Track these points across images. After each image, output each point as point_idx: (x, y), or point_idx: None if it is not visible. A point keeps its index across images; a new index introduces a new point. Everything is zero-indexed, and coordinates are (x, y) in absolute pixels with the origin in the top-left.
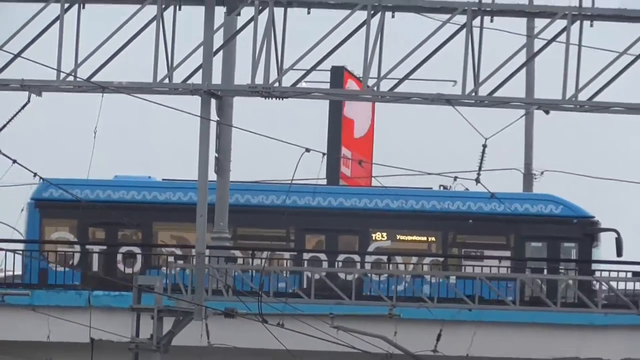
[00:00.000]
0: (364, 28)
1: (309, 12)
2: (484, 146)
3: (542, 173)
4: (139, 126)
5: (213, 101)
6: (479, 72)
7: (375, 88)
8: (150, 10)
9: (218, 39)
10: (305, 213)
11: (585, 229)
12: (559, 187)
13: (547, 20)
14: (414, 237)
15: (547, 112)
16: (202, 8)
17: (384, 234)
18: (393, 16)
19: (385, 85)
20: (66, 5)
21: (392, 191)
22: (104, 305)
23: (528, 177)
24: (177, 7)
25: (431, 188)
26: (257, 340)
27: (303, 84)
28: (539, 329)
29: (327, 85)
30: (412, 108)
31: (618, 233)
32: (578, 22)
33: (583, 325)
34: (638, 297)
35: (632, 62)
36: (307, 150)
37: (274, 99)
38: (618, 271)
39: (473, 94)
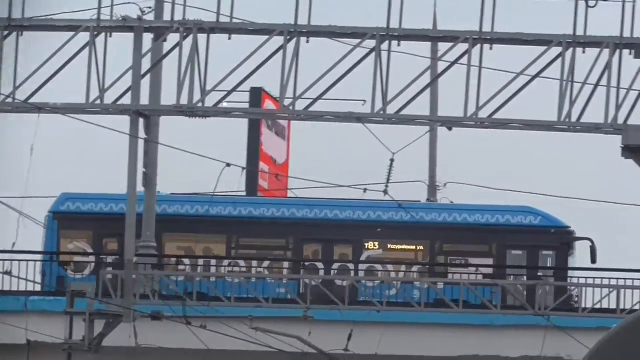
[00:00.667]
0: (281, 52)
1: (230, 38)
2: (392, 160)
3: (445, 185)
4: (74, 144)
5: (141, 120)
6: (387, 92)
7: (291, 107)
8: (84, 36)
9: (147, 63)
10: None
11: (562, 238)
12: (460, 198)
13: (450, 44)
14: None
15: (449, 129)
16: (132, 35)
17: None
18: (308, 41)
19: (300, 105)
20: (5, 33)
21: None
22: (40, 310)
23: (432, 189)
24: (109, 34)
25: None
26: (182, 340)
27: (224, 104)
28: (443, 329)
29: (247, 105)
30: (326, 126)
31: (592, 242)
32: (479, 46)
33: (484, 325)
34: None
35: (529, 82)
36: (228, 165)
37: (197, 118)
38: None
39: (381, 112)
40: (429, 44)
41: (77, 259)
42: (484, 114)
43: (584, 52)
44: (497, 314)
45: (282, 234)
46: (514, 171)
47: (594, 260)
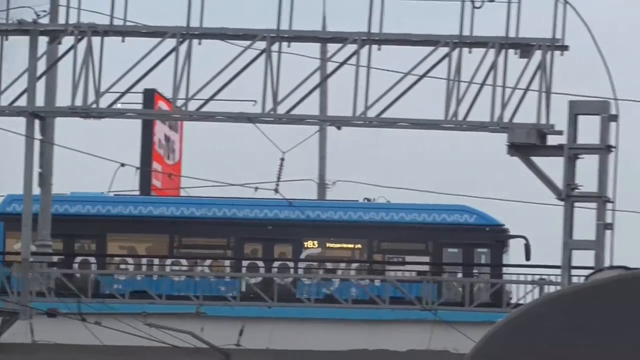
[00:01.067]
0: (174, 54)
1: (123, 40)
2: (282, 159)
3: (334, 183)
4: None
5: (37, 122)
6: (277, 93)
7: (183, 108)
8: None
9: (42, 66)
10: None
11: (496, 236)
12: (350, 195)
13: (339, 45)
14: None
15: (338, 128)
16: (27, 38)
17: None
18: (200, 43)
19: (193, 106)
20: None
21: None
22: None
23: (322, 187)
24: (5, 38)
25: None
26: (78, 337)
27: (118, 105)
28: (333, 324)
29: (141, 106)
30: (218, 126)
31: (526, 239)
32: (367, 46)
33: (372, 320)
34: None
35: (416, 82)
36: (122, 164)
37: (92, 119)
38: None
39: (272, 112)
40: (318, 45)
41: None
42: (372, 113)
43: (470, 52)
44: (386, 309)
45: (223, 234)
46: (404, 169)
47: (527, 258)
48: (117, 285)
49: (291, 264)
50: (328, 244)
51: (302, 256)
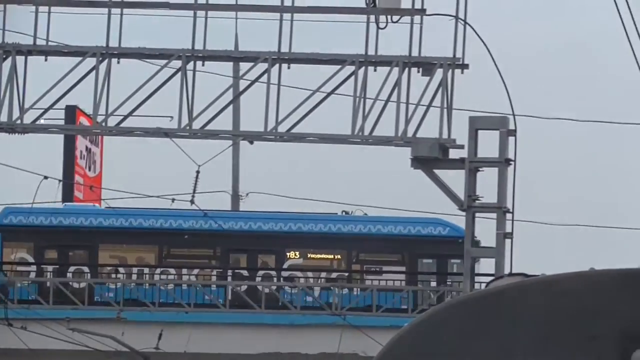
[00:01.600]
0: (94, 72)
1: (46, 59)
2: (197, 172)
3: (247, 194)
4: None
5: None
6: (192, 109)
7: (103, 123)
8: None
9: None
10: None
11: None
12: (263, 206)
13: (251, 64)
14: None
15: (251, 143)
16: None
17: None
18: (118, 62)
19: (112, 121)
20: None
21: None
22: None
23: (235, 198)
24: None
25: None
26: (4, 341)
27: (42, 121)
28: (247, 328)
29: (63, 122)
30: (138, 141)
31: None
32: (277, 65)
33: (284, 324)
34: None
35: (324, 98)
36: (45, 177)
37: (17, 134)
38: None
39: (187, 127)
40: (231, 63)
41: (19, 268)
42: (282, 128)
43: (375, 70)
44: (297, 314)
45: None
46: (314, 181)
47: None
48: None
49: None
50: (309, 255)
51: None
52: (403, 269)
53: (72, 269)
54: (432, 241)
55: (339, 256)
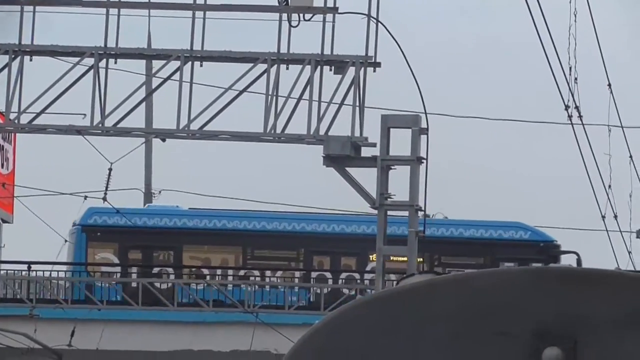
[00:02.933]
0: (6, 70)
1: None
2: (110, 169)
3: (160, 192)
4: None
5: None
6: (105, 106)
7: (16, 121)
8: None
9: None
10: None
11: (549, 251)
12: (176, 203)
13: (164, 62)
14: None
15: (163, 140)
16: None
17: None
18: (31, 59)
19: (25, 119)
20: None
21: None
22: None
23: (148, 195)
24: None
25: None
26: None
27: None
28: (160, 326)
29: None
30: (52, 139)
31: (578, 255)
32: (190, 63)
33: (196, 322)
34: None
35: (237, 96)
36: None
37: None
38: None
39: (100, 125)
40: (144, 61)
41: (104, 269)
42: (195, 126)
43: (287, 68)
44: (210, 312)
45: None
46: (227, 178)
47: None
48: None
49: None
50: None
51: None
52: None
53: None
54: (514, 244)
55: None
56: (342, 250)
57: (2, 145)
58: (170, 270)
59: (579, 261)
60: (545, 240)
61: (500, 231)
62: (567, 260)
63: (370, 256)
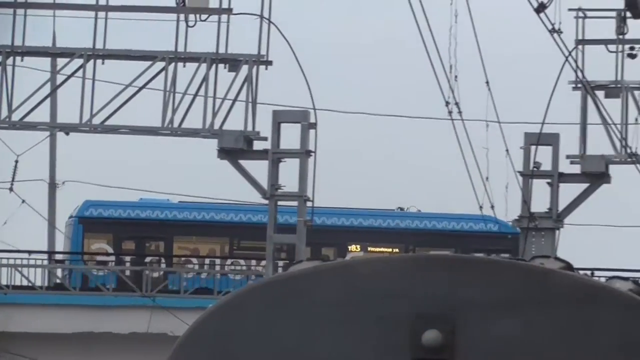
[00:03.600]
0: None
1: None
2: (16, 162)
3: (63, 183)
4: None
5: None
6: (12, 102)
7: None
8: None
9: None
10: None
11: (516, 243)
12: (82, 195)
13: (67, 59)
14: None
15: (67, 134)
16: None
17: None
18: None
19: None
20: None
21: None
22: None
23: (52, 187)
24: None
25: None
26: None
27: None
28: (63, 309)
29: None
30: None
31: None
32: (92, 61)
33: (98, 305)
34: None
35: (136, 92)
36: None
37: None
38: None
39: (7, 119)
40: (49, 59)
41: (99, 259)
42: (97, 120)
43: (184, 66)
44: (110, 296)
45: None
46: (128, 170)
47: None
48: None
49: None
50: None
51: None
52: None
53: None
54: (484, 236)
55: (397, 250)
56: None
57: None
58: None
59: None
60: (512, 232)
61: (471, 223)
62: None
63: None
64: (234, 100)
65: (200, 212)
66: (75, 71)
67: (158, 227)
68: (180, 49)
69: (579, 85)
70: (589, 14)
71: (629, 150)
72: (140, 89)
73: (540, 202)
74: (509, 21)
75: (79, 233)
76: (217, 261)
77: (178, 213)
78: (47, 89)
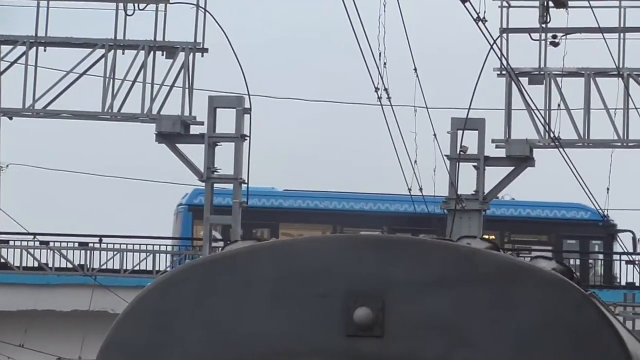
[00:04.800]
0: None
1: None
2: None
3: (7, 166)
4: None
5: None
6: None
7: None
8: None
9: None
10: None
11: (608, 230)
12: (26, 179)
13: (10, 47)
14: None
15: (10, 118)
16: None
17: None
18: None
19: None
20: None
21: None
22: None
23: None
24: None
25: None
26: None
27: None
28: (6, 288)
29: None
30: None
31: (634, 233)
32: (35, 48)
33: (41, 284)
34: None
35: (76, 79)
36: None
37: None
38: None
39: None
40: None
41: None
42: (39, 105)
43: (123, 53)
44: (53, 275)
45: None
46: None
47: (635, 249)
48: None
49: None
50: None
51: None
52: (550, 248)
53: None
54: (576, 224)
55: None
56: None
57: None
58: None
59: (634, 239)
60: (604, 220)
61: (564, 211)
62: (625, 239)
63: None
64: (171, 86)
65: (305, 200)
66: (19, 58)
67: (265, 215)
68: (120, 36)
69: (504, 72)
70: (512, 3)
71: (552, 135)
72: (81, 75)
73: (467, 185)
74: (438, 10)
75: (188, 220)
76: None
77: (284, 201)
78: None
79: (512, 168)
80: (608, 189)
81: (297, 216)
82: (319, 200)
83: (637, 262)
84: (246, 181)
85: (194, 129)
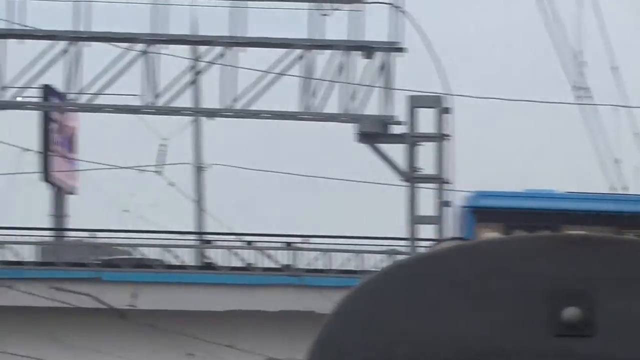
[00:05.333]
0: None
1: None
2: (162, 145)
3: (211, 166)
4: None
5: None
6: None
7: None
8: None
9: None
10: None
11: None
12: (226, 178)
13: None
14: None
15: (211, 118)
16: None
17: None
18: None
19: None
20: None
21: None
22: None
23: (199, 170)
24: None
25: None
26: None
27: None
28: (213, 288)
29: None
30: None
31: None
32: (231, 49)
33: (247, 284)
34: None
35: (275, 79)
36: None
37: None
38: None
39: (151, 104)
40: (188, 47)
41: None
42: (238, 106)
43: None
44: (259, 275)
45: None
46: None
47: None
48: None
49: None
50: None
51: None
52: None
53: None
54: None
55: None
56: None
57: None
58: None
59: None
60: None
61: None
62: None
63: None
64: (371, 87)
65: (587, 203)
66: (216, 58)
67: (546, 217)
68: (317, 37)
69: None
70: None
71: None
72: (280, 75)
73: None
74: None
75: (471, 222)
76: None
77: (566, 203)
78: (190, 77)
79: None
80: None
81: (579, 219)
82: (601, 202)
83: None
84: (450, 181)
85: (395, 129)
